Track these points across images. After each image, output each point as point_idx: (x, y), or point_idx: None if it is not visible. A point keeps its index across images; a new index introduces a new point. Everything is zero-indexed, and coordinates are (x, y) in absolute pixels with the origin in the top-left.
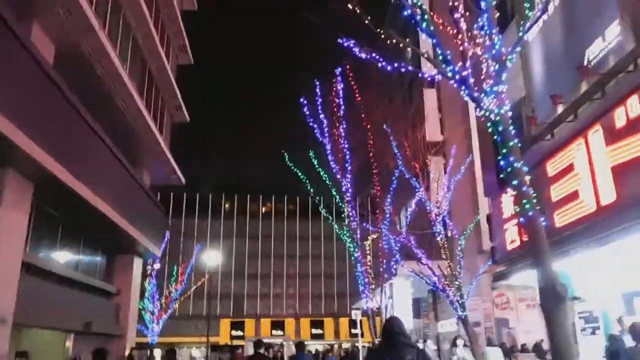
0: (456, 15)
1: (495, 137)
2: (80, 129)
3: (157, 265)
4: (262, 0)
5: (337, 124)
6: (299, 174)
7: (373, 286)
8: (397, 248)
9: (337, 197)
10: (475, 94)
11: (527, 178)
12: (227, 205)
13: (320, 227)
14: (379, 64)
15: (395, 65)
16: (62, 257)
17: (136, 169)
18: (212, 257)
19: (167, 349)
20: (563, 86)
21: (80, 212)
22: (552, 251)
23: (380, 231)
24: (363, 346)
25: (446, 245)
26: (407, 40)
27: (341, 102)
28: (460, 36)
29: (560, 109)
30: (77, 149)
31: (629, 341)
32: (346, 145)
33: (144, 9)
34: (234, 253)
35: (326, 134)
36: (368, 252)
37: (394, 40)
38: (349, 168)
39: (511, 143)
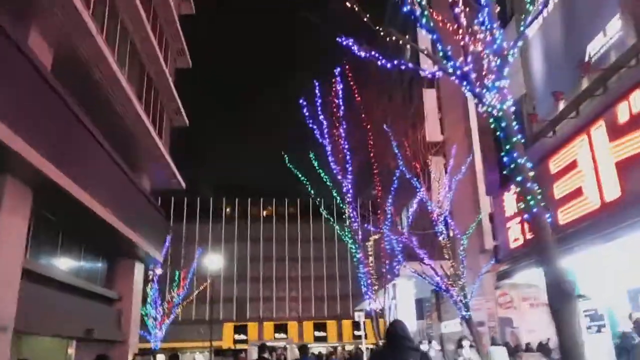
0: (456, 10)
1: (498, 133)
2: (78, 134)
3: (158, 271)
4: (261, 0)
5: (337, 125)
6: (299, 175)
7: (376, 287)
8: (399, 249)
9: (338, 198)
10: (477, 90)
11: (531, 174)
12: (228, 209)
13: (321, 229)
14: (379, 62)
15: (395, 62)
16: (63, 264)
17: (136, 173)
18: (213, 261)
19: (170, 354)
20: (564, 82)
21: (80, 217)
22: (557, 248)
23: (381, 232)
24: (367, 348)
25: (448, 245)
26: (406, 38)
27: (341, 103)
28: (460, 31)
29: (561, 105)
30: (75, 154)
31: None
32: (346, 146)
33: (141, 13)
34: (236, 257)
35: (326, 135)
36: (370, 253)
37: (394, 38)
38: (350, 169)
39: (514, 139)
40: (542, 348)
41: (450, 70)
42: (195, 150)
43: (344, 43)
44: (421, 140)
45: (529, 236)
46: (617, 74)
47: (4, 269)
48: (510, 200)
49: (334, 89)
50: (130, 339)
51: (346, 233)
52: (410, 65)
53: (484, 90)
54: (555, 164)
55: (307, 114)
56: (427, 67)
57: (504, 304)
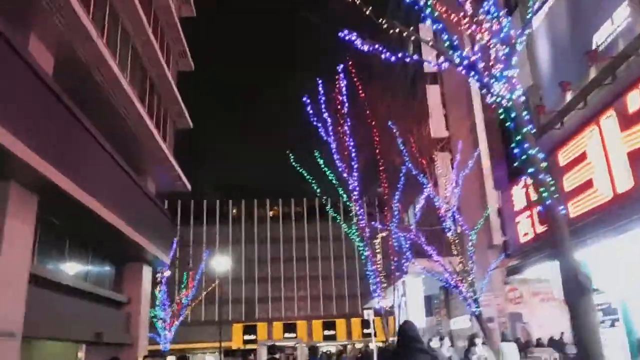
0: None
1: (508, 124)
2: (82, 138)
3: (167, 273)
4: (262, 0)
5: (341, 122)
6: (305, 174)
7: (385, 285)
8: (407, 246)
9: (344, 196)
10: (485, 80)
11: (544, 165)
12: (234, 211)
13: (328, 228)
14: (382, 55)
15: (400, 55)
16: (70, 268)
17: (140, 176)
18: (221, 263)
19: (178, 355)
20: (571, 73)
21: (86, 221)
22: (571, 241)
23: (389, 229)
24: (376, 346)
25: (457, 241)
26: (410, 30)
27: (345, 100)
28: (466, 20)
29: (569, 96)
30: (79, 159)
31: None
32: (351, 143)
33: (142, 17)
34: (244, 258)
35: (330, 132)
36: (378, 250)
37: (397, 30)
38: (356, 166)
39: (525, 129)
40: (554, 343)
41: (457, 61)
42: (200, 151)
43: (347, 38)
44: (426, 136)
45: (539, 230)
46: (626, 62)
47: (10, 275)
48: (519, 194)
49: (337, 85)
50: (139, 341)
51: (353, 231)
52: (415, 57)
53: (492, 80)
54: (564, 156)
55: (310, 111)
56: (431, 59)
57: (514, 300)
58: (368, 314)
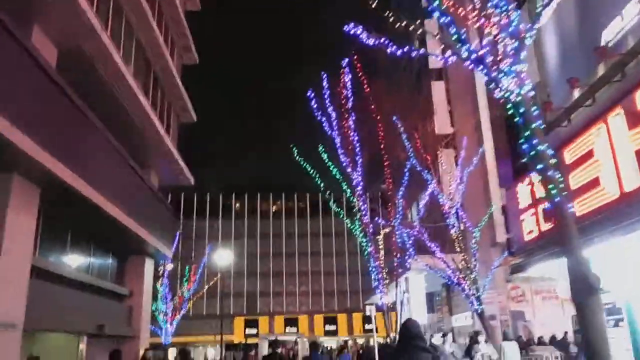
0: None
1: (517, 119)
2: (84, 131)
3: (169, 266)
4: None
5: (346, 116)
6: (308, 168)
7: (387, 281)
8: (410, 242)
9: (348, 191)
10: (494, 74)
11: (552, 161)
12: (237, 205)
13: (331, 224)
14: (388, 49)
15: (405, 49)
16: (72, 261)
17: (144, 170)
18: (223, 257)
19: (180, 348)
20: (579, 69)
21: (88, 214)
22: (580, 239)
23: (392, 225)
24: (377, 342)
25: (460, 238)
26: (417, 24)
27: (349, 94)
28: (475, 13)
29: (577, 93)
30: (81, 151)
31: None
32: (356, 138)
33: (146, 11)
34: (246, 252)
35: (335, 127)
36: (381, 247)
37: (403, 24)
38: (360, 161)
39: (534, 125)
40: (557, 342)
41: (465, 55)
42: (204, 146)
43: (352, 31)
44: (431, 132)
45: (544, 228)
46: (636, 59)
47: (12, 267)
48: (524, 192)
49: (342, 80)
50: (141, 334)
51: (356, 227)
52: (420, 51)
53: (501, 75)
54: (570, 154)
55: (315, 106)
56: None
57: (516, 298)
58: (370, 310)
